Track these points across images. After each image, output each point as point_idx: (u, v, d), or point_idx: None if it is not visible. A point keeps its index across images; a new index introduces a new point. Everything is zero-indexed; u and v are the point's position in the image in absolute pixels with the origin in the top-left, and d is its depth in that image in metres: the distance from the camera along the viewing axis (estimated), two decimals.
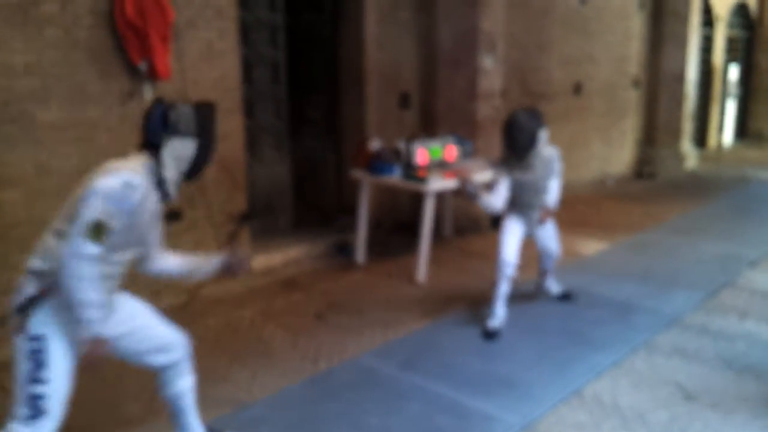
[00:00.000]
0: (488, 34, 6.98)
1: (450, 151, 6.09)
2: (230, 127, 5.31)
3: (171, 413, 2.95)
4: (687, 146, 11.22)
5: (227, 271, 2.91)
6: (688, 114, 11.11)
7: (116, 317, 2.65)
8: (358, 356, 4.12)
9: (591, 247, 6.56)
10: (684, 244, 6.62)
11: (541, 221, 4.58)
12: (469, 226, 7.04)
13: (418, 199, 6.64)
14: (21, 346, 2.43)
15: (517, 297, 4.91)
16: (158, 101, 2.62)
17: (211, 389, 3.66)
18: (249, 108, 5.74)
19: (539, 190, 4.53)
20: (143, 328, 2.76)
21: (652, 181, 10.39)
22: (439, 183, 5.47)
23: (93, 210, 2.39)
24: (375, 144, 5.92)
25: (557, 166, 4.61)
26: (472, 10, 6.78)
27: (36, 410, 2.40)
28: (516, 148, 4.30)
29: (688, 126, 11.18)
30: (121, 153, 4.53)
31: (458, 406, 3.54)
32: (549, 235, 4.77)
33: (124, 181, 2.45)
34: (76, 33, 4.39)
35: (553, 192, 4.65)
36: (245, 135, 5.54)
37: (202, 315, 4.75)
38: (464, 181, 4.32)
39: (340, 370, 3.95)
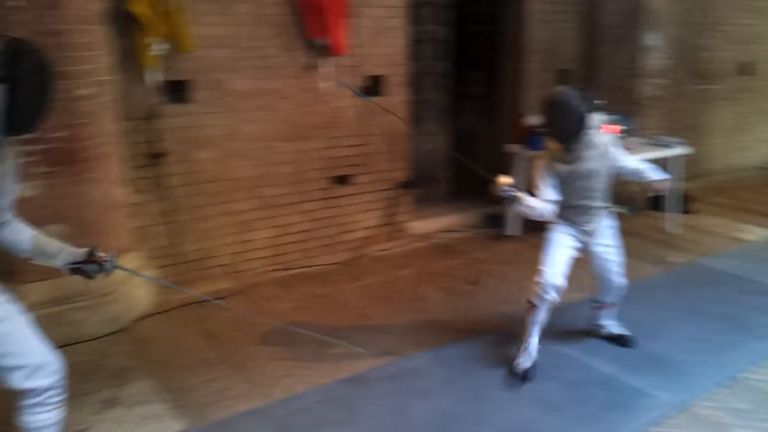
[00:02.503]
0: (652, 12, 6.79)
1: (612, 128, 6.03)
2: (396, 100, 5.62)
3: None
4: None
5: (79, 272, 2.54)
6: None
7: None
8: (510, 323, 4.30)
9: (754, 233, 6.26)
10: None
11: (656, 191, 3.84)
12: (625, 204, 6.93)
13: None
14: None
15: (675, 281, 4.84)
16: None
17: (374, 340, 4.03)
18: (413, 82, 6.01)
19: (593, 188, 3.62)
20: (7, 335, 2.33)
21: None
22: None
23: None
24: (532, 119, 6.00)
25: (617, 152, 3.68)
26: None
27: None
28: (560, 134, 3.48)
29: None
30: (300, 120, 5.07)
31: (612, 380, 3.61)
32: (610, 258, 3.78)
33: None
34: (264, 10, 4.83)
35: (645, 167, 3.80)
36: (410, 108, 5.84)
37: (366, 272, 5.16)
38: (498, 185, 3.50)
39: (493, 334, 4.15)
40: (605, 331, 4.07)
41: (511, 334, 4.09)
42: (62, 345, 3.81)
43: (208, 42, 4.60)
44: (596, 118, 3.51)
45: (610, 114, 6.27)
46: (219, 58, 4.68)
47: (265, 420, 3.22)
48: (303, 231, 5.34)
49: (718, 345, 4.01)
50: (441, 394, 3.46)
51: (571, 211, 3.65)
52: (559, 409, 3.35)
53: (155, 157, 4.47)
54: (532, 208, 3.50)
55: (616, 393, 3.49)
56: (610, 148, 3.62)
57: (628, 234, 6.04)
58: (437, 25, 6.30)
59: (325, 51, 5.03)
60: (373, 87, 5.47)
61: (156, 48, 4.22)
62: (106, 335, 4.01)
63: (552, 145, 3.57)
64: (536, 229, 6.12)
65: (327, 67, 5.10)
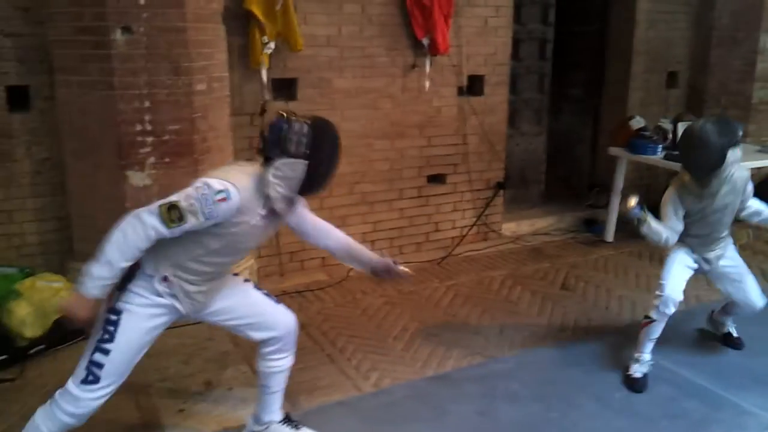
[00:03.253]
0: None
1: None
2: (496, 100, 5.62)
3: (258, 387, 3.00)
4: None
5: (377, 274, 2.98)
6: None
7: (219, 294, 2.76)
8: (604, 331, 4.23)
9: None
10: None
11: None
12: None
13: None
14: (101, 314, 2.50)
15: None
16: (281, 115, 2.51)
17: (463, 339, 4.06)
18: (513, 82, 5.97)
19: (721, 222, 3.50)
20: (245, 305, 2.83)
21: None
22: None
23: (181, 194, 2.38)
24: (637, 122, 5.84)
25: (749, 190, 3.54)
26: None
27: (92, 375, 2.47)
28: (695, 169, 3.33)
29: None
30: (399, 119, 5.14)
31: (710, 394, 3.50)
32: (740, 279, 3.64)
33: (221, 190, 2.37)
34: (371, 10, 4.93)
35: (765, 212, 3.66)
36: (508, 108, 5.80)
37: (457, 272, 5.18)
38: (628, 204, 3.43)
39: (586, 342, 4.09)
40: (725, 329, 4.05)
41: (605, 342, 4.03)
42: (170, 327, 4.08)
43: (316, 41, 4.74)
44: (737, 153, 3.28)
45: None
46: (325, 57, 4.82)
47: (354, 411, 3.31)
48: (396, 228, 5.43)
49: None
50: (530, 399, 3.45)
51: (695, 241, 3.58)
52: (653, 422, 3.27)
53: (261, 152, 4.65)
54: (656, 233, 3.43)
55: (714, 409, 3.37)
56: (748, 185, 3.50)
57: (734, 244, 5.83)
58: (544, 25, 6.22)
59: (428, 50, 5.08)
60: (473, 86, 5.47)
61: (267, 46, 4.39)
62: None
63: (686, 176, 3.43)
64: (632, 236, 6.00)
65: (428, 66, 5.16)
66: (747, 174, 3.51)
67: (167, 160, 4.01)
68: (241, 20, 4.40)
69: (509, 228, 6.02)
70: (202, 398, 3.38)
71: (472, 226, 5.77)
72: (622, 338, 4.05)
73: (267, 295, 2.92)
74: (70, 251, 4.25)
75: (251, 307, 2.85)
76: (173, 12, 3.86)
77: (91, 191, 4.04)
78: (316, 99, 4.86)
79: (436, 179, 5.53)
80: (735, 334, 4.02)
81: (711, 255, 3.60)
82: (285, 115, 2.49)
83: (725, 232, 3.60)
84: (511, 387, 3.55)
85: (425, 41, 5.02)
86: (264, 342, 2.87)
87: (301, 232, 2.94)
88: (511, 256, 5.59)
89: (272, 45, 4.42)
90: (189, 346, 3.90)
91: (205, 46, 4.04)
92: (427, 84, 5.21)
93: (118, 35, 3.78)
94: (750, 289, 3.67)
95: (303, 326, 4.15)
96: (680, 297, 3.51)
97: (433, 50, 5.05)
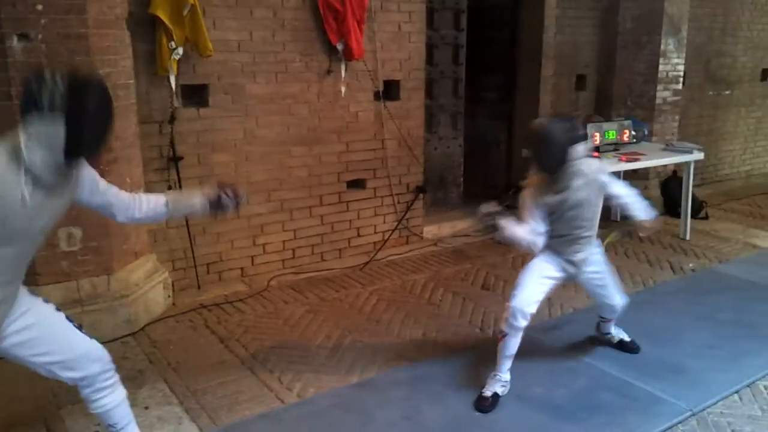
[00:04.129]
0: (672, 17, 6.78)
1: (625, 134, 6.05)
2: (413, 105, 5.65)
3: (106, 429, 2.73)
4: None
5: (217, 207, 2.76)
6: None
7: (16, 323, 2.37)
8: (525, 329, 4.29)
9: None
10: None
11: (643, 237, 3.74)
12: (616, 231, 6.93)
13: None
14: None
15: (690, 287, 4.82)
16: (34, 71, 2.21)
17: (387, 344, 4.05)
18: (429, 87, 6.02)
19: (583, 218, 3.46)
20: (53, 338, 2.45)
21: None
22: (613, 165, 5.47)
23: None
24: None
25: (607, 179, 3.52)
26: None
27: None
28: (544, 165, 3.37)
29: None
30: (316, 125, 5.10)
31: (625, 385, 3.60)
32: (602, 283, 3.71)
33: None
34: (282, 14, 4.88)
35: (632, 198, 3.63)
36: (425, 112, 5.85)
37: (380, 276, 5.17)
38: (481, 215, 3.25)
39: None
40: (614, 339, 4.03)
41: (524, 339, 4.10)
42: None
43: (226, 46, 4.64)
44: (582, 148, 3.35)
45: (623, 119, 6.29)
46: (237, 63, 4.72)
47: (277, 423, 3.23)
48: (317, 234, 5.38)
49: (733, 352, 3.99)
50: (454, 400, 3.46)
51: (558, 242, 3.51)
52: (571, 415, 3.34)
53: (172, 160, 4.52)
54: (518, 238, 3.29)
55: (629, 399, 3.47)
56: (600, 176, 3.47)
57: (643, 240, 6.09)
58: (457, 31, 6.30)
59: (343, 55, 5.06)
60: (389, 91, 5.49)
61: (175, 52, 4.26)
62: (122, 337, 4.05)
63: (538, 175, 3.45)
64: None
65: (344, 71, 5.13)
66: (599, 166, 3.56)
67: None
68: (147, 26, 4.25)
69: (430, 231, 6.07)
70: None
71: (394, 230, 5.78)
72: (543, 334, 4.13)
73: (79, 328, 2.55)
74: None
75: (60, 342, 2.45)
76: (73, 18, 3.70)
77: None
78: (229, 105, 4.75)
79: (356, 184, 5.51)
80: (627, 339, 4.02)
81: (577, 257, 3.54)
82: (37, 70, 2.19)
83: (589, 232, 3.53)
84: (435, 389, 3.55)
85: (339, 46, 5.00)
86: (79, 384, 2.54)
87: (102, 207, 2.58)
88: (432, 258, 5.63)
89: (180, 50, 4.29)
90: None
91: (108, 53, 3.88)
92: (343, 89, 5.19)
93: (14, 42, 3.59)
94: (612, 294, 3.74)
95: (222, 340, 4.07)
96: (532, 309, 3.42)
97: (348, 55, 5.03)
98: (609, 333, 4.04)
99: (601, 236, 3.72)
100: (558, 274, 3.55)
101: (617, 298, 3.79)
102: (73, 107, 2.12)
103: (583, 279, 3.67)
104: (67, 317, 2.55)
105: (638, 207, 3.62)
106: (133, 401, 3.33)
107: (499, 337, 3.49)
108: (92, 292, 3.99)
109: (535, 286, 3.48)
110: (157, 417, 3.25)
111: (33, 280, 3.82)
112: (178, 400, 3.40)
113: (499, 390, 3.47)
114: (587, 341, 4.10)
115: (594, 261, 3.65)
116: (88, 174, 2.46)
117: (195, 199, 2.76)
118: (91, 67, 3.76)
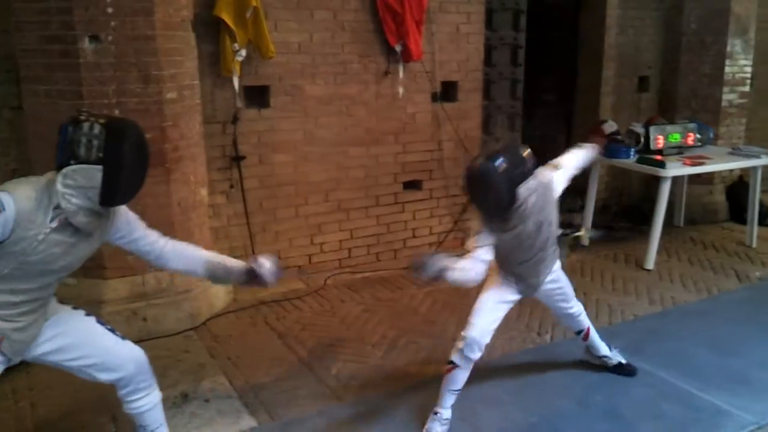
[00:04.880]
0: (739, 17, 6.57)
1: (690, 137, 5.90)
2: (470, 106, 5.63)
3: (137, 429, 2.74)
4: None
5: (254, 281, 2.69)
6: None
7: (45, 333, 2.43)
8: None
9: None
10: None
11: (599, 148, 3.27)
12: (703, 216, 6.74)
13: (649, 184, 6.53)
14: None
15: (755, 296, 4.67)
16: (71, 117, 2.24)
17: (441, 346, 4.02)
18: (487, 88, 5.99)
19: (543, 240, 3.08)
20: (85, 343, 2.51)
21: None
22: (677, 168, 5.35)
23: None
24: (610, 126, 5.89)
25: (554, 178, 3.15)
26: None
27: None
28: (487, 213, 2.95)
29: None
30: (373, 125, 5.13)
31: (687, 395, 3.51)
32: (563, 294, 3.44)
33: None
34: (342, 16, 4.92)
35: (577, 157, 3.41)
36: (482, 113, 5.82)
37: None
38: (417, 265, 2.77)
39: (566, 345, 4.08)
40: (611, 362, 3.73)
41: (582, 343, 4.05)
42: (142, 340, 4.00)
43: (288, 48, 4.71)
44: (530, 185, 2.89)
45: (691, 122, 6.13)
46: (297, 64, 4.79)
47: (333, 422, 3.26)
48: (373, 235, 5.40)
49: None
50: (510, 404, 3.44)
51: (520, 268, 3.16)
52: (633, 424, 3.27)
53: (234, 160, 4.61)
54: (464, 273, 2.83)
55: (693, 410, 3.38)
56: (551, 186, 3.10)
57: (707, 246, 5.93)
58: (516, 31, 6.24)
59: (401, 57, 5.08)
60: (446, 92, 5.48)
61: (238, 54, 4.35)
62: (185, 331, 4.16)
63: (481, 220, 3.00)
64: (608, 240, 6.06)
65: (401, 72, 5.15)
66: (550, 176, 3.12)
67: None
68: (211, 27, 4.35)
69: None
70: (179, 411, 3.31)
71: (449, 231, 5.76)
72: (604, 341, 4.06)
73: (112, 330, 2.59)
74: None
75: (93, 345, 2.51)
76: (142, 20, 3.81)
77: None
78: (289, 106, 4.82)
79: (412, 185, 5.52)
80: (624, 361, 3.74)
81: (537, 280, 3.23)
82: (74, 116, 2.22)
83: (552, 246, 3.21)
84: (493, 393, 3.53)
85: (398, 48, 5.02)
86: (116, 384, 2.59)
87: (138, 252, 2.61)
88: None
89: (243, 52, 4.38)
90: (164, 358, 3.82)
91: (174, 54, 3.99)
92: (401, 90, 5.21)
93: (86, 44, 3.72)
94: (567, 303, 3.49)
95: (281, 336, 4.13)
96: (487, 339, 3.13)
97: (406, 57, 5.05)
98: (604, 356, 3.72)
99: (575, 235, 3.51)
100: (515, 297, 3.26)
101: (573, 305, 3.51)
102: (111, 158, 2.18)
103: (541, 293, 3.35)
104: (99, 320, 2.58)
105: (584, 155, 3.50)
106: (194, 394, 3.44)
107: (448, 368, 3.15)
108: (157, 287, 4.10)
109: (491, 314, 3.17)
110: (217, 410, 3.32)
111: (100, 273, 3.97)
112: (237, 394, 3.47)
113: (439, 429, 3.15)
114: (646, 348, 4.01)
115: (554, 274, 3.33)
116: (125, 219, 2.51)
117: (233, 267, 2.71)
118: (159, 67, 3.88)
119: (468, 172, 2.88)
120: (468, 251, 2.95)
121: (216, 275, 2.70)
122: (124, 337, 2.62)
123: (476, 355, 3.11)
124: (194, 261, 2.68)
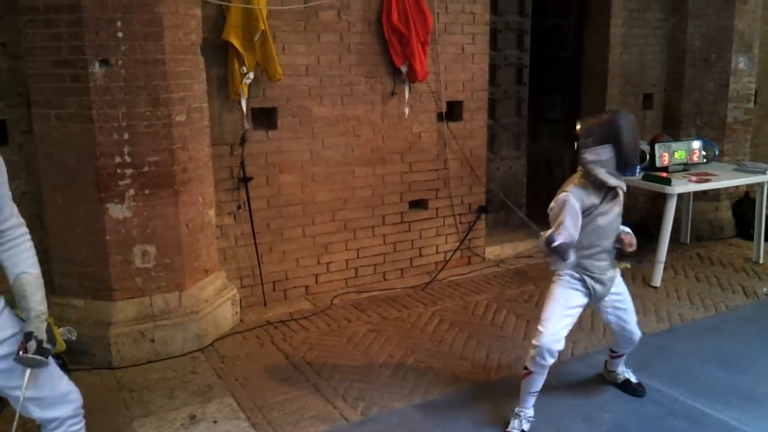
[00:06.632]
0: (743, 34, 6.61)
1: (695, 154, 5.92)
2: (475, 125, 5.67)
3: None
4: None
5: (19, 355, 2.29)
6: None
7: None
8: (591, 352, 4.22)
9: None
10: None
11: (626, 246, 3.28)
12: (709, 233, 6.73)
13: (654, 201, 6.54)
14: None
15: (764, 312, 4.66)
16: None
17: (450, 365, 4.04)
18: (492, 107, 6.03)
19: (611, 233, 3.27)
20: (38, 376, 2.35)
21: None
22: (683, 185, 5.36)
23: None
24: None
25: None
26: (727, 8, 6.50)
27: None
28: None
29: None
30: (379, 145, 5.17)
31: (695, 413, 3.50)
32: (622, 306, 3.44)
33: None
34: (349, 39, 4.98)
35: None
36: (487, 133, 5.86)
37: (442, 297, 5.17)
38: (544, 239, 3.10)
39: (574, 363, 4.08)
40: (620, 378, 3.76)
41: (590, 362, 4.03)
42: (149, 361, 4.03)
43: (295, 70, 4.77)
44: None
45: (696, 139, 6.14)
46: (304, 86, 4.85)
47: None
48: (380, 254, 5.42)
49: None
50: None
51: (585, 255, 3.22)
52: None
53: (242, 181, 4.65)
54: (565, 246, 3.04)
55: (701, 427, 3.38)
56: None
57: (714, 263, 5.92)
58: (520, 51, 6.30)
59: (407, 77, 5.13)
60: (452, 112, 5.52)
61: (246, 76, 4.41)
62: (192, 352, 4.17)
63: (583, 176, 3.17)
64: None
65: (407, 92, 5.21)
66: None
67: (147, 191, 3.99)
68: (219, 51, 4.42)
69: (493, 251, 6.04)
70: None
71: (456, 250, 5.78)
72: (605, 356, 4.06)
73: (56, 359, 2.46)
74: (49, 285, 4.18)
75: (43, 378, 2.35)
76: (152, 44, 3.87)
77: (71, 225, 4.00)
78: (297, 128, 4.87)
79: (419, 204, 5.55)
80: (633, 380, 3.73)
81: (606, 275, 3.29)
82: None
83: (612, 247, 3.29)
84: (500, 412, 3.52)
85: (404, 68, 5.07)
86: (48, 424, 2.43)
87: None
88: (495, 279, 5.59)
89: (251, 75, 4.43)
90: (172, 379, 3.84)
91: (183, 77, 4.05)
92: (407, 110, 5.26)
93: (96, 68, 3.78)
94: (632, 320, 3.50)
95: (288, 356, 4.15)
96: (560, 346, 3.17)
97: (412, 77, 5.10)
98: (614, 371, 3.76)
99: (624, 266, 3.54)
100: (584, 300, 3.29)
101: (636, 327, 3.52)
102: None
103: (605, 303, 3.40)
104: (53, 355, 2.39)
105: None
106: (202, 416, 3.45)
107: (524, 373, 3.27)
108: (164, 308, 4.13)
109: (560, 321, 3.20)
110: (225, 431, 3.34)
111: (108, 295, 4.01)
112: (245, 415, 3.48)
113: (526, 427, 3.29)
114: (654, 366, 4.00)
115: (617, 282, 3.41)
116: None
117: (26, 309, 2.34)
118: (168, 90, 3.94)
119: (617, 113, 3.12)
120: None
121: (15, 297, 2.37)
122: (70, 378, 2.52)
123: (549, 361, 3.17)
124: (13, 267, 2.36)
